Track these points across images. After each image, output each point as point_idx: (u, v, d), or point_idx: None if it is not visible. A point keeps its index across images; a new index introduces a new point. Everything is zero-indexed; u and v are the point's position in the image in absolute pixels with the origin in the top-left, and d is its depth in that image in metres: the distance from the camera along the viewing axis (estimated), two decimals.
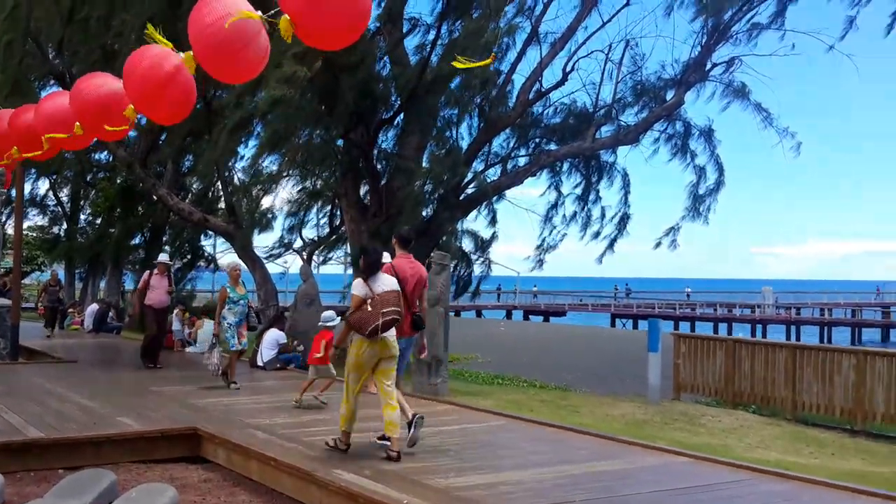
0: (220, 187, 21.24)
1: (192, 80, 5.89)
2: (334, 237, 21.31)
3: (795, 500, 6.61)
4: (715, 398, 15.85)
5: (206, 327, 17.62)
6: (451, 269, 15.28)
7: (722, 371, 15.84)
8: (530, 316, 55.11)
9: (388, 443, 7.85)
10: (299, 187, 21.00)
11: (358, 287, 7.83)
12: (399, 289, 8.03)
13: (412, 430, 8.13)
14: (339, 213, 21.10)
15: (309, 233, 21.66)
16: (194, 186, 25.40)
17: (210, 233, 24.14)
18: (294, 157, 17.91)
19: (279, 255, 21.85)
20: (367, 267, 7.93)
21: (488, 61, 4.91)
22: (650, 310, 60.14)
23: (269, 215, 22.86)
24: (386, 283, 7.89)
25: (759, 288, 71.74)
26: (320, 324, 11.08)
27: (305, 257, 21.22)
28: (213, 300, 24.52)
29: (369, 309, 7.62)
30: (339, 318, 11.36)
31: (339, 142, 18.76)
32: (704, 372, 16.15)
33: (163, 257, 15.70)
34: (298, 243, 21.77)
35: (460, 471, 7.37)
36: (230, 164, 20.52)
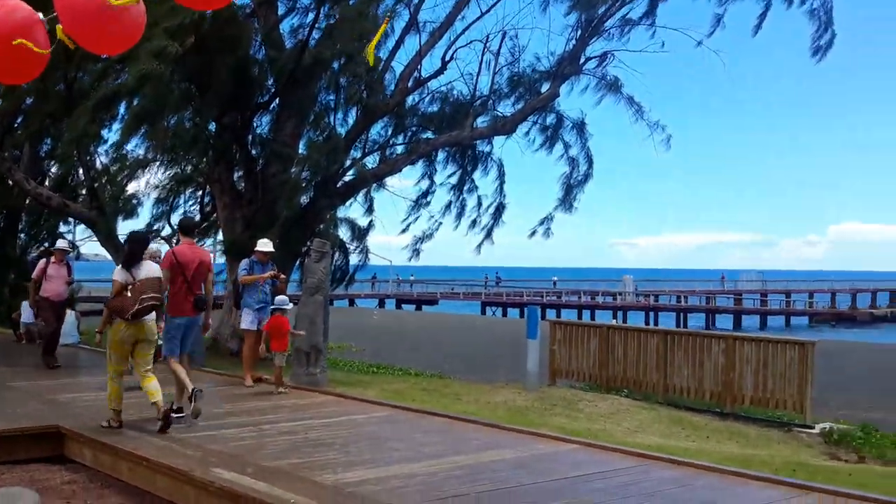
0: (82, 172, 20.06)
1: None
2: (206, 224, 20.47)
3: (689, 487, 6.66)
4: (589, 383, 16.09)
5: (68, 319, 16.61)
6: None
7: (596, 356, 16.09)
8: (403, 305, 55.06)
9: (181, 413, 8.95)
10: (168, 173, 20.03)
11: (118, 274, 8.42)
12: (160, 275, 8.65)
13: (193, 402, 8.66)
14: (210, 199, 20.29)
15: (178, 219, 20.72)
16: (53, 171, 23.91)
17: (71, 220, 22.78)
18: (162, 140, 17.03)
19: None
20: (128, 255, 8.57)
21: (382, 28, 4.66)
22: (518, 298, 61.26)
23: (134, 201, 21.80)
24: (147, 270, 8.45)
25: (620, 276, 74.20)
26: (274, 307, 11.37)
27: (174, 244, 20.27)
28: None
29: (129, 295, 8.22)
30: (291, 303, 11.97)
31: (211, 126, 18.04)
32: (579, 358, 16.38)
33: (61, 244, 14.30)
34: (167, 231, 20.78)
35: (348, 465, 7.11)
36: (92, 147, 19.38)
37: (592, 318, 52.52)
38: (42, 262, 13.68)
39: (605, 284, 69.87)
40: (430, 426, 9.12)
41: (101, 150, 20.77)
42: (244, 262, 11.98)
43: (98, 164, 21.15)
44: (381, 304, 55.46)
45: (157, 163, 20.09)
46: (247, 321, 11.78)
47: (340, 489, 6.32)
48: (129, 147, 19.64)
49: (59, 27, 5.04)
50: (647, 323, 53.59)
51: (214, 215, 20.56)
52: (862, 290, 72.13)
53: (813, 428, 13.12)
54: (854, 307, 66.79)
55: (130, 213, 21.34)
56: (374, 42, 5.08)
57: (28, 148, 22.24)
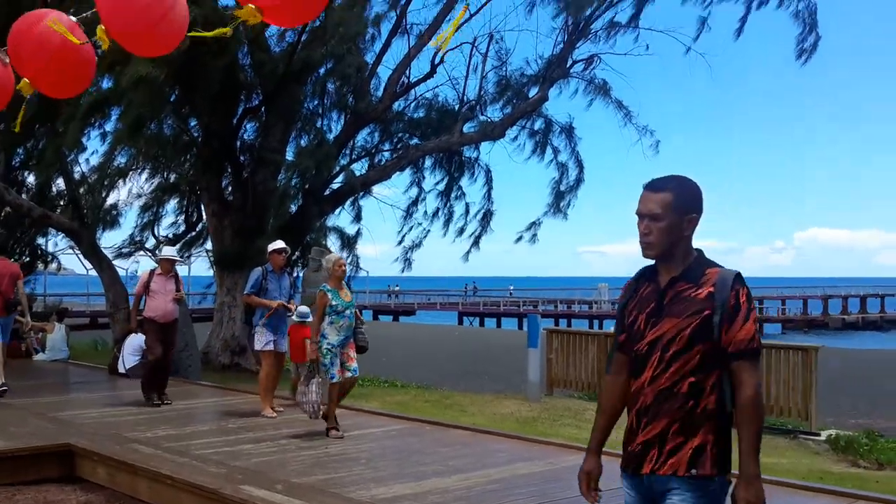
0: (63, 181, 19.62)
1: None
2: (192, 234, 20.10)
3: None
4: (587, 392, 15.94)
5: (57, 333, 16.21)
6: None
7: (594, 365, 15.94)
8: (379, 315, 54.66)
9: None
10: (151, 181, 19.64)
11: None
12: None
13: None
14: (194, 208, 19.94)
15: (163, 230, 20.35)
16: (29, 180, 23.39)
17: (51, 231, 22.27)
18: (149, 148, 16.67)
19: (130, 255, 20.41)
20: None
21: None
22: (495, 308, 61.15)
23: (114, 212, 21.38)
24: None
25: (587, 284, 74.37)
26: (297, 319, 10.44)
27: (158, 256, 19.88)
28: (55, 306, 22.67)
29: None
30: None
31: (196, 132, 17.74)
32: (577, 366, 16.21)
33: (168, 251, 11.56)
34: (152, 242, 20.37)
35: (379, 481, 6.87)
36: (74, 155, 18.96)
37: (569, 326, 52.52)
38: (144, 274, 11.34)
39: (581, 293, 69.88)
40: (452, 439, 8.89)
41: (80, 158, 20.31)
42: (254, 273, 10.24)
43: (77, 174, 20.71)
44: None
45: (140, 171, 19.71)
46: (260, 342, 10.11)
47: None
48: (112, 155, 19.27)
49: (100, 27, 4.84)
50: None
51: (200, 225, 20.23)
52: (833, 297, 72.75)
53: (819, 435, 13.05)
54: (826, 314, 67.34)
55: (112, 224, 20.94)
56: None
57: (3, 157, 21.75)
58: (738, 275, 3.09)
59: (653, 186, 3.21)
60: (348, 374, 8.81)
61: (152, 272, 11.01)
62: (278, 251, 10.34)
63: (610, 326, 56.89)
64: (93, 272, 21.20)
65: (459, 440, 8.82)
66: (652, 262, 3.28)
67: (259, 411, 10.16)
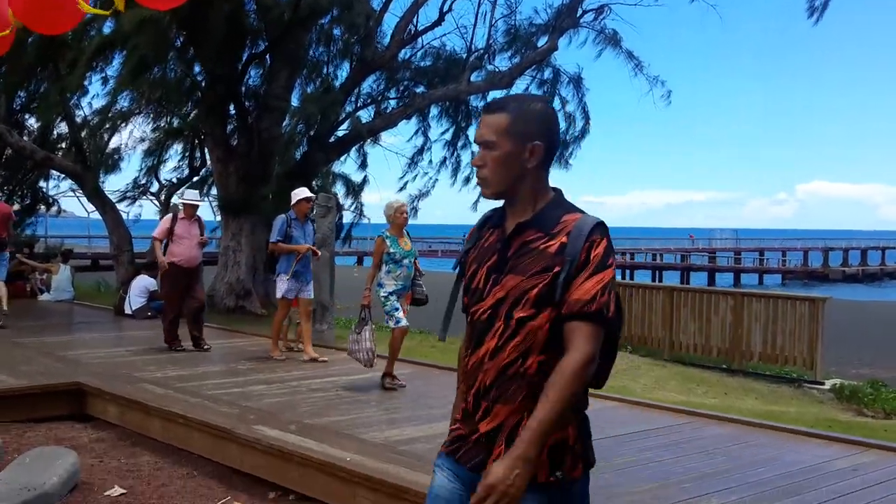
0: (66, 124, 19.47)
1: None
2: (195, 179, 19.98)
3: (747, 444, 6.50)
4: None
5: (62, 274, 16.19)
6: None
7: None
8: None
9: None
10: (154, 126, 19.47)
11: None
12: None
13: None
14: (199, 153, 19.79)
15: (167, 174, 20.25)
16: (29, 123, 23.20)
17: (52, 174, 22.16)
18: (152, 92, 16.47)
19: (134, 199, 20.34)
20: None
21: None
22: None
23: (116, 156, 21.26)
24: None
25: None
26: None
27: (163, 200, 19.85)
28: (58, 247, 22.60)
29: None
30: None
31: (200, 78, 17.53)
32: None
33: (190, 195, 11.04)
34: (155, 186, 20.30)
35: (392, 423, 6.90)
36: (76, 98, 18.79)
37: None
38: (167, 219, 10.84)
39: None
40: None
41: (83, 101, 20.14)
42: (279, 221, 9.96)
43: (79, 117, 20.53)
44: (360, 261, 55.09)
45: (143, 115, 19.54)
46: (281, 289, 9.98)
47: (392, 447, 6.09)
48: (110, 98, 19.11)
49: None
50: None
51: (204, 170, 20.12)
52: (834, 249, 72.79)
53: (823, 384, 13.12)
54: (826, 266, 67.37)
55: (113, 167, 20.84)
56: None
57: (4, 100, 21.56)
58: (599, 224, 2.43)
59: (488, 108, 2.57)
60: (403, 324, 8.46)
61: (175, 216, 10.64)
62: (306, 199, 10.09)
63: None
64: (94, 215, 21.22)
65: None
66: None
67: (268, 353, 10.28)
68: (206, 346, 10.62)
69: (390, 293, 8.29)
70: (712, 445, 6.38)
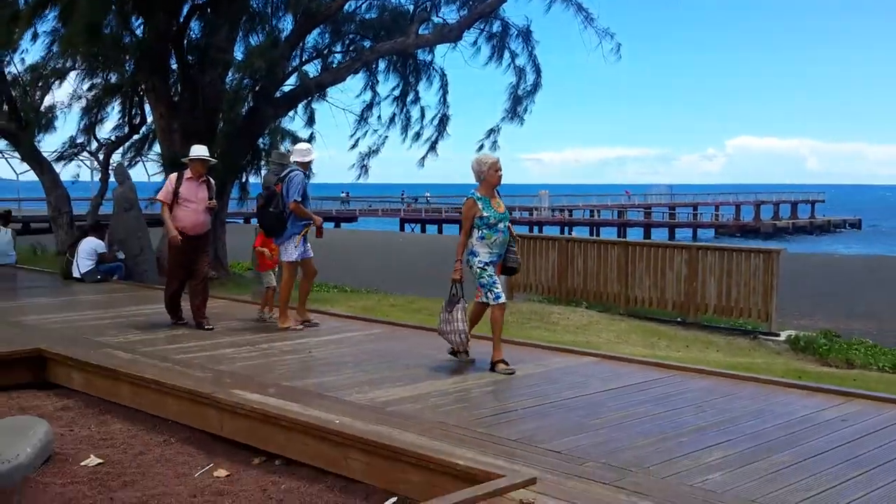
0: None
1: None
2: (136, 136, 19.28)
3: (734, 396, 6.49)
4: (548, 296, 16.00)
5: (3, 237, 15.53)
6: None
7: (555, 269, 15.98)
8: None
9: None
10: (91, 82, 18.66)
11: None
12: None
13: None
14: (137, 111, 19.08)
15: (105, 133, 19.46)
16: None
17: None
18: (89, 47, 15.70)
19: (71, 158, 19.55)
20: None
21: None
22: (437, 214, 61.10)
23: (50, 114, 20.38)
24: None
25: (526, 192, 74.59)
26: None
27: (101, 159, 19.12)
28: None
29: None
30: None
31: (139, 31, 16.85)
32: (538, 270, 16.24)
33: (198, 150, 9.37)
34: (94, 144, 19.51)
35: (373, 384, 6.72)
36: (9, 55, 17.92)
37: None
38: (171, 178, 9.40)
39: (521, 200, 70.08)
40: (435, 343, 8.69)
41: (15, 58, 19.20)
42: (298, 178, 9.04)
43: (9, 74, 19.60)
44: None
45: (80, 72, 18.73)
46: (292, 253, 9.14)
47: (379, 408, 5.93)
48: (43, 55, 18.33)
49: None
50: None
51: (144, 128, 19.46)
52: (765, 203, 74.39)
53: (779, 335, 13.33)
54: (758, 219, 68.86)
55: (47, 126, 20.00)
56: None
57: None
58: None
59: None
60: (503, 300, 7.37)
61: (181, 175, 9.26)
62: (306, 163, 9.40)
63: (549, 233, 57.50)
64: (24, 176, 20.43)
65: (440, 343, 8.69)
66: None
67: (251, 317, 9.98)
68: (208, 326, 9.31)
69: (486, 263, 7.26)
70: (700, 399, 6.36)
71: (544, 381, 6.94)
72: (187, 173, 9.26)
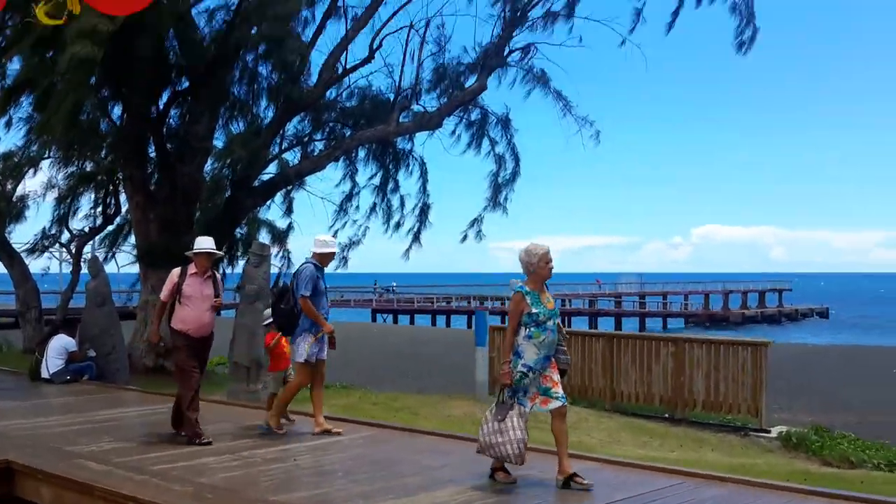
0: None
1: None
2: (110, 227, 18.88)
3: None
4: None
5: None
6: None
7: None
8: None
9: None
10: (64, 171, 18.32)
11: None
12: None
13: None
14: (112, 200, 18.76)
15: (78, 223, 19.06)
16: None
17: None
18: (66, 135, 15.43)
19: (43, 250, 19.06)
20: None
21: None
22: (409, 305, 60.74)
23: (21, 204, 19.97)
24: None
25: (497, 281, 74.43)
26: (267, 323, 9.42)
27: (74, 251, 18.68)
28: None
29: None
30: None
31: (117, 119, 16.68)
32: None
33: (204, 243, 8.64)
34: (66, 236, 19.11)
35: (368, 497, 6.26)
36: None
37: None
38: (174, 274, 8.54)
39: (492, 290, 69.95)
40: (424, 445, 8.36)
41: None
42: (308, 271, 8.52)
43: None
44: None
45: (54, 161, 18.43)
46: (303, 353, 8.51)
47: None
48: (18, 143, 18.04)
49: None
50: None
51: (119, 217, 19.11)
52: (734, 291, 74.96)
53: (770, 432, 13.01)
54: (727, 308, 69.22)
55: (17, 216, 19.60)
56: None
57: None
58: None
59: None
60: (555, 404, 6.59)
61: (183, 271, 8.46)
62: (331, 255, 8.85)
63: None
64: None
65: (432, 447, 8.30)
66: None
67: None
68: (206, 441, 8.28)
69: (529, 367, 6.56)
70: None
71: (548, 491, 6.54)
72: (191, 268, 8.47)
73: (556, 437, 6.64)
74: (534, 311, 6.56)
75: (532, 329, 6.55)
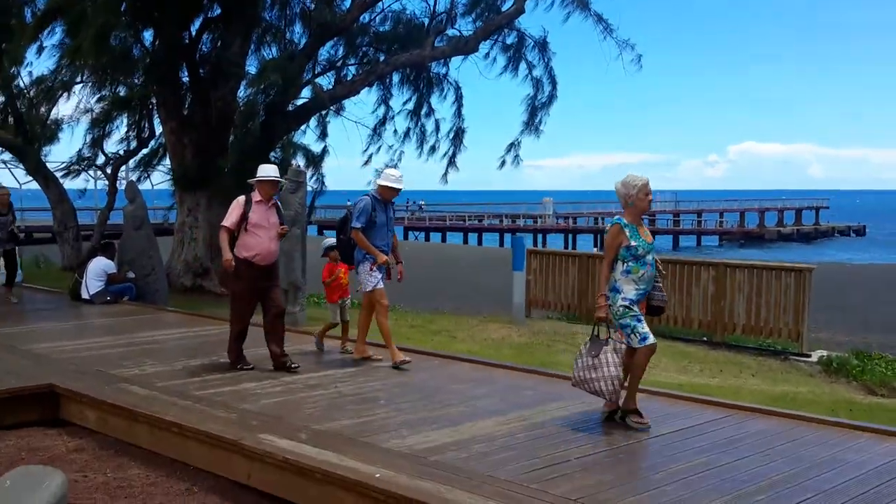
0: (4, 97, 18.23)
1: None
2: (145, 151, 18.89)
3: (800, 441, 6.03)
4: (567, 313, 15.60)
5: None
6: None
7: (576, 286, 15.57)
8: (324, 231, 53.81)
9: None
10: (99, 96, 18.30)
11: None
12: None
13: None
14: (146, 124, 18.71)
15: (113, 146, 19.06)
16: None
17: None
18: (98, 60, 15.29)
19: (78, 172, 19.13)
20: None
21: None
22: (441, 222, 60.74)
23: (54, 127, 19.98)
24: None
25: (530, 199, 74.07)
26: (323, 254, 9.37)
27: (110, 173, 18.75)
28: None
29: None
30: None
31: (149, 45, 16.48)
32: (556, 288, 15.83)
33: (268, 170, 8.42)
34: (101, 159, 19.14)
35: (411, 427, 6.26)
36: (16, 70, 17.55)
37: None
38: (238, 202, 8.32)
39: (526, 207, 69.65)
40: (466, 374, 8.34)
41: (22, 71, 18.82)
42: (363, 203, 8.41)
43: (15, 88, 19.19)
44: (320, 231, 54.16)
45: (87, 86, 18.37)
46: (371, 282, 8.45)
47: (421, 458, 5.49)
48: (50, 67, 17.95)
49: None
50: (566, 245, 53.91)
51: (153, 141, 19.08)
52: (770, 209, 74.11)
53: (810, 356, 12.91)
54: (762, 226, 68.58)
55: (52, 139, 19.64)
56: None
57: None
58: None
59: None
60: (650, 341, 6.28)
61: (248, 199, 8.28)
62: (394, 189, 8.55)
63: (554, 241, 57.06)
64: (27, 186, 20.12)
65: (474, 375, 8.29)
66: None
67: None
68: (292, 365, 8.35)
69: (632, 301, 6.28)
70: (764, 444, 5.92)
71: (592, 423, 6.49)
72: (255, 196, 8.32)
73: (632, 374, 6.42)
74: (633, 244, 6.29)
75: (630, 263, 6.31)
